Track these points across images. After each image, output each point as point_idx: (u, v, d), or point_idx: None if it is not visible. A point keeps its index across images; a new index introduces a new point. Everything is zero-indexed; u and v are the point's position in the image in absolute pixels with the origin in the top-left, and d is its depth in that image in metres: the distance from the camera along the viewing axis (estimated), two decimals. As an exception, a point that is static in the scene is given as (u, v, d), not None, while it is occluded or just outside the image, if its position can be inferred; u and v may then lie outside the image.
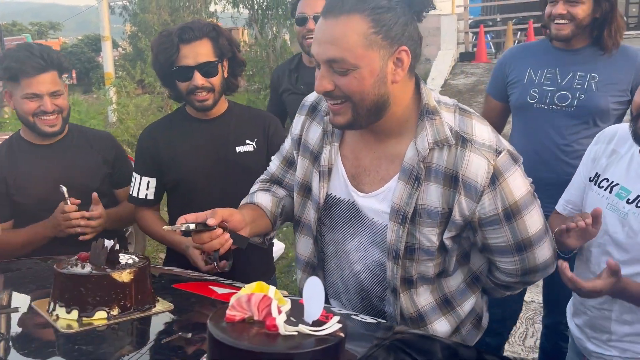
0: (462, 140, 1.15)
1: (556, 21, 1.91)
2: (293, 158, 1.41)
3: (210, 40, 1.75)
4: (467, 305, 1.33)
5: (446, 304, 1.30)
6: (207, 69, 1.75)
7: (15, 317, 1.15)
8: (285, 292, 1.01)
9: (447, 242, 1.21)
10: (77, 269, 1.11)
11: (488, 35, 12.74)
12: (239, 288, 1.31)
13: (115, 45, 19.01)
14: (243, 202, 1.43)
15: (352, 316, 1.23)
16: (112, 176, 2.01)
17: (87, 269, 1.12)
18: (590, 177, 1.46)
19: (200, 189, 1.83)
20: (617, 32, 1.94)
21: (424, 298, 1.26)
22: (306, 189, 1.36)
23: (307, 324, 0.83)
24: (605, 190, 1.40)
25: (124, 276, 1.11)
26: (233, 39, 1.84)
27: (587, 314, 1.47)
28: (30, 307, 1.17)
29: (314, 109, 1.36)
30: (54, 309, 1.10)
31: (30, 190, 1.77)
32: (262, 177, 1.54)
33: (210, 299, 1.26)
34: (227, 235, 1.22)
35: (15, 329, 1.11)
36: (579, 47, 1.98)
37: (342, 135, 1.29)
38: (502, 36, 13.05)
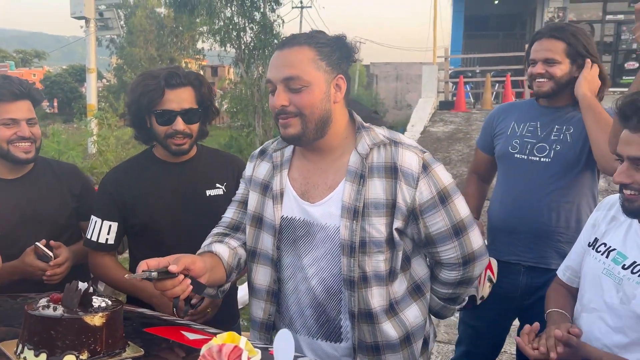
0: (394, 142, 1.42)
1: (537, 80, 2.07)
2: (247, 199, 1.54)
3: (193, 88, 1.79)
4: (409, 312, 1.45)
5: (391, 309, 1.42)
6: (189, 116, 1.78)
7: (-20, 359, 1.13)
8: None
9: (395, 235, 1.38)
10: (49, 311, 1.11)
11: (467, 86, 13.17)
12: (210, 334, 1.33)
13: (99, 76, 19.11)
14: (199, 252, 1.48)
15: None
16: (79, 209, 2.01)
17: (59, 311, 1.11)
18: (589, 242, 1.51)
19: (167, 232, 1.81)
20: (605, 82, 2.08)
21: (377, 300, 1.39)
22: (258, 220, 1.50)
23: (276, 376, 0.84)
24: (602, 254, 1.44)
25: (96, 320, 1.11)
26: (212, 88, 1.90)
27: None
28: (-3, 349, 1.15)
29: (262, 153, 1.57)
30: (21, 352, 1.09)
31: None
32: (215, 230, 1.59)
33: (181, 345, 1.26)
34: (189, 281, 1.26)
35: (-20, 371, 1.09)
36: (561, 105, 2.11)
37: (289, 163, 1.49)
38: (480, 87, 13.51)
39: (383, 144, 1.40)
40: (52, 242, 1.80)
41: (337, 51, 1.40)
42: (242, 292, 3.44)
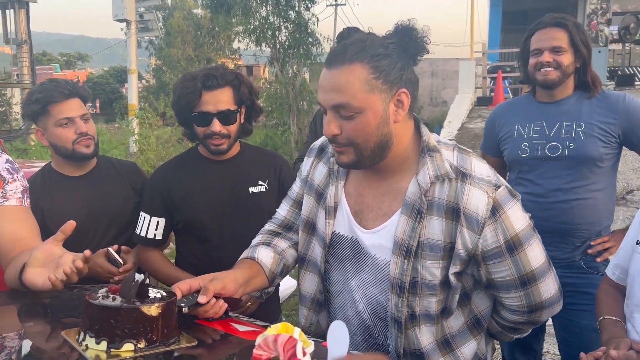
0: (462, 175, 1.22)
1: (543, 69, 2.01)
2: (302, 199, 1.46)
3: (232, 88, 1.81)
4: (466, 349, 1.32)
5: (446, 345, 1.30)
6: (226, 117, 1.80)
7: (45, 345, 1.19)
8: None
9: (452, 278, 1.23)
10: (108, 301, 1.16)
11: (506, 81, 12.89)
12: (259, 326, 1.35)
13: (139, 77, 19.61)
14: (243, 255, 1.47)
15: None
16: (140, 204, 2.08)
17: (117, 301, 1.16)
18: (637, 240, 1.45)
19: (212, 229, 1.86)
20: (595, 76, 2.05)
21: (426, 337, 1.28)
22: (311, 227, 1.41)
23: (330, 367, 0.86)
24: None
25: (152, 310, 1.14)
26: (253, 87, 1.91)
27: None
28: (60, 336, 1.20)
29: (321, 151, 1.45)
30: (83, 339, 1.14)
31: (63, 221, 1.84)
32: (268, 227, 1.55)
33: (232, 336, 1.29)
34: (221, 302, 1.29)
35: (45, 357, 1.14)
36: (561, 99, 2.07)
37: (346, 174, 1.37)
38: (519, 82, 13.19)
39: (448, 178, 1.21)
40: (123, 248, 1.87)
41: (400, 59, 1.19)
42: (283, 286, 3.50)
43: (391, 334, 1.29)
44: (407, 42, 1.20)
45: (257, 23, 15.03)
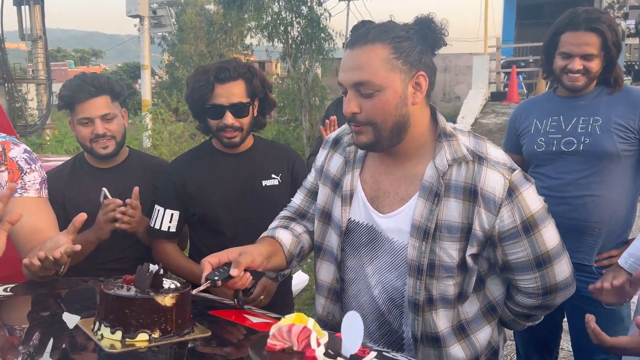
0: (479, 157, 1.25)
1: (571, 74, 1.97)
2: (317, 189, 1.49)
3: (244, 81, 1.82)
4: (481, 334, 1.34)
5: (461, 330, 1.32)
6: (239, 110, 1.81)
7: (61, 334, 1.20)
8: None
9: (469, 260, 1.25)
10: (123, 291, 1.16)
11: (520, 76, 12.76)
12: (272, 318, 1.35)
13: (152, 73, 19.72)
14: (263, 234, 1.50)
15: (384, 353, 1.24)
16: None
17: (132, 291, 1.17)
18: None
19: (226, 222, 1.87)
20: (619, 72, 2.01)
21: (443, 322, 1.30)
22: (327, 216, 1.44)
23: (344, 358, 0.85)
24: None
25: (167, 300, 1.15)
26: (266, 80, 1.91)
27: None
28: (76, 326, 1.21)
29: (336, 142, 1.48)
30: (98, 329, 1.15)
31: (84, 209, 1.86)
32: (283, 213, 1.58)
33: (246, 327, 1.29)
34: (248, 275, 1.30)
35: (62, 346, 1.16)
36: (582, 94, 2.03)
37: (362, 162, 1.39)
38: (534, 77, 13.05)
39: (465, 160, 1.25)
40: (135, 189, 1.88)
41: (419, 43, 1.23)
42: (296, 280, 3.51)
43: (407, 320, 1.31)
44: (426, 32, 1.25)
45: (270, 19, 15.01)
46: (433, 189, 1.25)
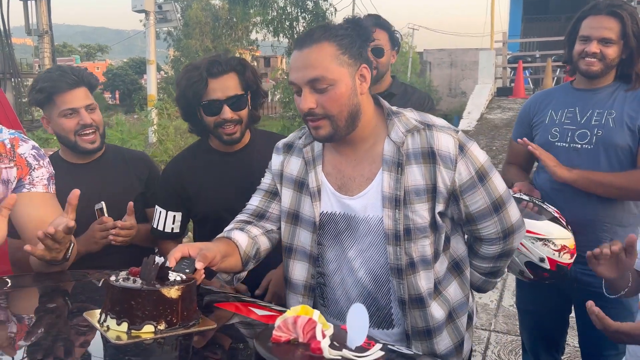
0: (427, 125, 1.40)
1: (587, 58, 1.96)
2: (275, 190, 1.55)
3: (236, 73, 1.78)
4: (451, 289, 1.46)
5: (435, 289, 1.43)
6: (236, 102, 1.77)
7: (67, 325, 1.21)
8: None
9: (438, 218, 1.38)
10: (129, 283, 1.17)
11: (527, 71, 12.69)
12: (276, 310, 1.35)
13: (157, 68, 19.73)
14: (219, 236, 1.50)
15: (389, 346, 1.24)
16: (145, 194, 2.07)
17: (138, 283, 1.17)
18: None
19: (228, 221, 1.82)
20: None
21: (425, 283, 1.40)
22: (294, 217, 1.50)
23: (350, 350, 0.85)
24: None
25: (172, 292, 1.15)
26: (256, 71, 1.87)
27: None
28: (82, 317, 1.22)
29: (289, 147, 1.56)
30: (105, 320, 1.15)
31: (63, 208, 1.86)
32: (239, 217, 1.58)
33: (251, 320, 1.30)
34: (203, 271, 1.30)
35: (68, 336, 1.16)
36: (599, 87, 2.02)
37: (322, 158, 1.47)
38: (540, 72, 12.97)
39: (417, 130, 1.39)
40: (130, 204, 1.87)
41: (357, 39, 1.36)
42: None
43: (393, 286, 1.40)
44: (358, 29, 1.38)
45: (275, 13, 15.01)
46: (394, 160, 1.38)
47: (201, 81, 1.73)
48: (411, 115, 1.43)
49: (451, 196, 1.39)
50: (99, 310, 1.20)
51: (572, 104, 2.05)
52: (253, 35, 19.05)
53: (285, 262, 1.53)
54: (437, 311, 1.43)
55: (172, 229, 1.89)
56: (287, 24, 15.05)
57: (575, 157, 2.00)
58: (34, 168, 1.65)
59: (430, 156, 1.36)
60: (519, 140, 2.04)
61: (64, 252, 1.44)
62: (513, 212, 1.45)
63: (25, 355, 1.07)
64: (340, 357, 0.83)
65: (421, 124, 1.39)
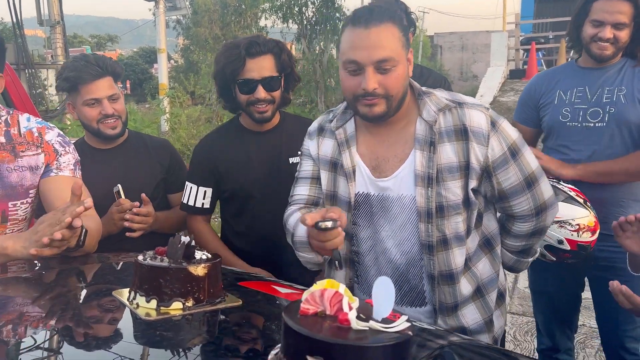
0: (458, 103, 1.41)
1: (600, 43, 1.95)
2: (319, 175, 1.55)
3: (273, 55, 1.84)
4: (480, 265, 1.47)
5: (465, 265, 1.44)
6: (270, 83, 1.83)
7: (98, 303, 1.25)
8: None
9: (471, 195, 1.39)
10: (157, 262, 1.20)
11: (540, 53, 12.51)
12: (299, 289, 1.38)
13: (168, 58, 19.73)
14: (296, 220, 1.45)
15: (416, 324, 1.26)
16: (167, 181, 2.11)
17: (166, 262, 1.20)
18: None
19: (255, 199, 1.91)
20: None
21: (459, 259, 1.41)
22: (332, 197, 1.51)
23: (376, 321, 0.87)
24: None
25: (199, 270, 1.18)
26: (292, 55, 1.93)
27: None
28: (111, 296, 1.26)
29: (321, 130, 1.56)
30: (134, 298, 1.19)
31: (89, 192, 1.90)
32: (294, 207, 1.55)
33: (275, 297, 1.32)
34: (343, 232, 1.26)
35: (100, 314, 1.20)
36: (607, 65, 2.01)
37: (355, 139, 1.48)
38: (554, 54, 12.79)
39: (448, 108, 1.40)
40: (143, 195, 1.92)
41: (408, 24, 1.40)
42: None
43: (424, 265, 1.42)
44: (406, 14, 1.43)
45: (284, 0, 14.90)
46: (427, 139, 1.39)
47: (239, 60, 1.79)
48: (441, 95, 1.44)
49: (484, 172, 1.40)
50: (127, 290, 1.23)
51: (581, 83, 2.04)
52: (262, 22, 18.94)
53: None
54: (465, 287, 1.44)
55: (203, 204, 1.94)
56: (296, 9, 14.93)
57: (588, 135, 2.00)
58: (61, 154, 1.71)
59: (462, 133, 1.38)
60: None
61: (75, 239, 1.42)
62: (546, 188, 1.45)
63: (57, 332, 1.10)
64: (367, 328, 0.85)
65: (452, 102, 1.41)
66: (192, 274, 1.17)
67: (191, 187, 1.95)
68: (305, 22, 15.23)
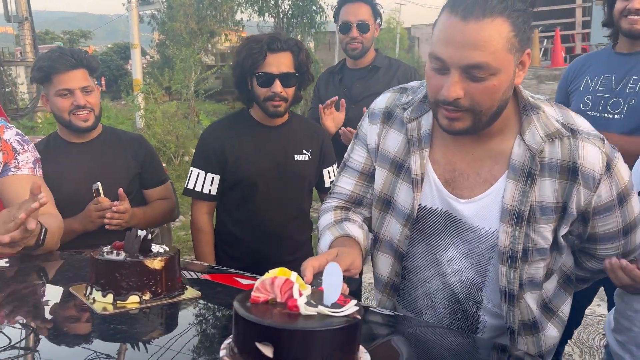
0: (572, 131, 1.13)
1: (630, 16, 1.84)
2: (372, 171, 1.31)
3: (292, 53, 1.91)
4: (565, 307, 1.30)
5: (547, 309, 1.27)
6: (287, 79, 1.90)
7: (54, 300, 1.24)
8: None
9: (561, 240, 1.18)
10: (113, 256, 1.19)
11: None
12: (262, 280, 1.38)
13: (143, 53, 19.45)
14: (335, 233, 1.26)
15: (371, 309, 1.27)
16: (142, 176, 2.10)
17: (122, 256, 1.19)
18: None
19: (258, 191, 1.96)
20: None
21: (532, 304, 1.22)
22: (385, 203, 1.28)
23: (326, 306, 0.88)
24: None
25: (156, 263, 1.18)
26: (309, 55, 2.00)
27: (633, 330, 1.36)
28: (68, 292, 1.24)
29: (389, 116, 1.28)
30: (90, 293, 1.18)
31: (61, 186, 1.88)
32: (334, 202, 1.36)
33: (235, 289, 1.33)
34: (346, 285, 1.09)
35: (55, 310, 1.19)
36: (633, 52, 1.91)
37: (430, 140, 1.23)
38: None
39: (559, 136, 1.12)
40: (120, 190, 1.90)
41: (530, 18, 1.06)
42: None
43: (486, 305, 1.23)
44: (531, 3, 1.07)
45: (259, -8, 14.79)
46: (525, 168, 1.13)
47: (261, 53, 1.86)
48: (552, 113, 1.15)
49: (580, 216, 1.17)
50: (84, 285, 1.22)
51: (610, 70, 1.94)
52: (238, 16, 18.79)
53: (371, 253, 1.35)
54: (553, 332, 1.27)
55: (210, 190, 1.98)
56: (272, 2, 14.83)
57: (606, 127, 1.88)
58: (19, 152, 1.69)
59: (570, 172, 1.12)
60: None
61: (34, 238, 1.41)
62: (639, 234, 1.24)
63: (13, 329, 1.09)
64: (316, 313, 0.86)
65: (565, 129, 1.13)
66: (148, 267, 1.17)
67: (198, 173, 1.98)
68: (281, 16, 15.15)
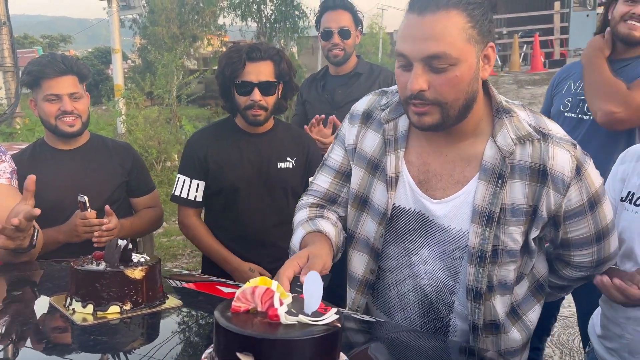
0: (543, 134, 1.16)
1: (631, 21, 1.82)
2: (348, 170, 1.34)
3: (273, 62, 1.93)
4: (532, 314, 1.31)
5: (513, 314, 1.28)
6: (266, 88, 1.91)
7: (33, 311, 1.22)
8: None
9: (532, 243, 1.19)
10: (92, 267, 1.18)
11: (493, 48, 12.81)
12: (245, 288, 1.38)
13: (124, 57, 19.26)
14: (307, 229, 1.27)
15: (352, 315, 1.28)
16: (130, 183, 2.10)
17: (102, 266, 1.19)
18: (622, 197, 1.40)
19: (241, 197, 1.99)
20: None
21: (500, 308, 1.23)
22: (362, 201, 1.30)
23: (306, 315, 0.89)
24: None
25: (136, 273, 1.18)
26: (292, 65, 2.02)
27: (625, 337, 1.35)
28: (48, 303, 1.23)
29: (367, 117, 1.31)
30: (70, 304, 1.17)
31: (47, 192, 1.86)
32: (309, 199, 1.39)
33: (217, 297, 1.33)
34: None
35: (35, 321, 1.17)
36: (626, 57, 1.90)
37: (405, 141, 1.25)
38: (508, 49, 13.14)
39: (530, 139, 1.15)
40: (107, 207, 1.89)
41: (489, 11, 1.10)
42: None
43: (458, 307, 1.25)
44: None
45: (241, -3, 14.77)
46: (496, 170, 1.15)
47: (240, 62, 1.89)
48: (524, 117, 1.18)
49: (551, 220, 1.19)
50: (64, 296, 1.21)
51: None
52: (220, 20, 18.73)
53: (347, 251, 1.36)
54: (516, 336, 1.27)
55: (195, 197, 2.01)
56: (255, 7, 14.83)
57: (581, 128, 1.92)
58: None
59: (540, 175, 1.14)
60: None
61: (28, 239, 1.45)
62: (614, 241, 1.26)
63: (-10, 341, 1.08)
64: (296, 322, 0.86)
65: (536, 132, 1.16)
66: (129, 277, 1.17)
67: (184, 180, 2.01)
68: (264, 20, 15.15)
